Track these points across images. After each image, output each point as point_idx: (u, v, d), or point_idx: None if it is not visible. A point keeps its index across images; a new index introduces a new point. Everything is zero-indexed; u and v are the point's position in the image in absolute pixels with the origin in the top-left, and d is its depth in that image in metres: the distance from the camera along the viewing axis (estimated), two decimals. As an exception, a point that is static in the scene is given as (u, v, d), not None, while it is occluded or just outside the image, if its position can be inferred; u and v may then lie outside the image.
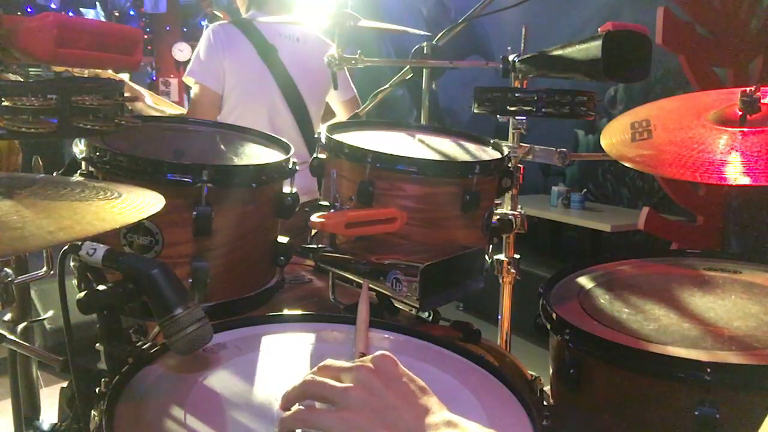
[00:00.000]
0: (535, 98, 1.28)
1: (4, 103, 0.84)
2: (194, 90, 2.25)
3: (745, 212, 3.17)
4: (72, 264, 0.82)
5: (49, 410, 1.26)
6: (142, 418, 0.69)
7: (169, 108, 2.39)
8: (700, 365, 0.86)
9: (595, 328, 1.01)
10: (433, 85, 1.68)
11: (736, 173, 0.99)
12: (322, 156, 1.23)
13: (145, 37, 7.03)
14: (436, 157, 1.22)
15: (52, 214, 0.66)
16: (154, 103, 2.27)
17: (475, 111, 1.37)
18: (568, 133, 4.61)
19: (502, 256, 1.48)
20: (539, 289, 1.15)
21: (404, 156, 1.12)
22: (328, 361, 0.68)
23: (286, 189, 1.12)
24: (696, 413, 0.85)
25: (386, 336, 0.95)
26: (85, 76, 1.69)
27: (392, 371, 0.65)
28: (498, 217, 1.30)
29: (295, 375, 0.73)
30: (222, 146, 1.20)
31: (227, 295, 1.04)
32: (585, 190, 4.27)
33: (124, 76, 2.41)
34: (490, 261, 1.35)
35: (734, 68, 3.09)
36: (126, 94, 0.96)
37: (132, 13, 7.33)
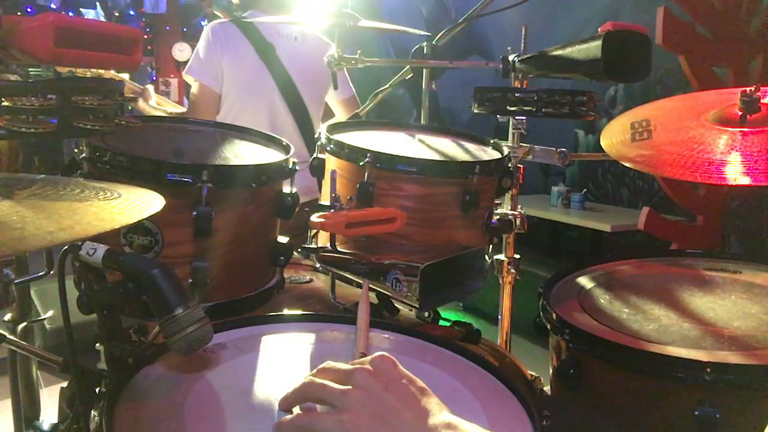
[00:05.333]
0: (535, 98, 1.28)
1: (4, 103, 0.84)
2: (193, 88, 2.25)
3: (745, 212, 3.17)
4: (72, 264, 0.82)
5: (49, 410, 1.26)
6: (142, 418, 0.69)
7: (171, 107, 2.39)
8: (700, 365, 0.86)
9: (595, 328, 1.01)
10: (433, 85, 1.68)
11: (736, 173, 0.99)
12: (322, 156, 1.23)
13: (145, 37, 7.02)
14: (436, 157, 1.22)
15: (52, 214, 0.66)
16: (157, 104, 2.28)
17: (475, 111, 1.37)
18: (568, 133, 4.61)
19: (502, 256, 1.48)
20: (539, 289, 1.15)
21: (404, 156, 1.12)
22: (328, 363, 0.68)
23: (286, 189, 1.12)
24: (696, 413, 0.85)
25: (386, 336, 0.95)
26: (88, 76, 1.69)
27: (391, 373, 0.65)
28: (498, 217, 1.30)
29: (295, 375, 0.73)
30: (222, 146, 1.20)
31: (227, 295, 1.04)
32: (585, 190, 4.27)
33: (124, 76, 2.41)
34: (490, 261, 1.35)
35: (734, 68, 3.09)
36: (128, 95, 0.95)
37: (132, 12, 7.33)
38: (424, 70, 1.66)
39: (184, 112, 2.38)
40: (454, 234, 1.15)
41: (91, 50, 1.04)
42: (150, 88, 2.31)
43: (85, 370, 0.79)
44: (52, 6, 6.76)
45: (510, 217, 1.37)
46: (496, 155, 1.27)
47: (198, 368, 0.79)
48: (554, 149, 1.40)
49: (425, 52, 1.62)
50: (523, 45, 1.44)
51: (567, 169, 4.69)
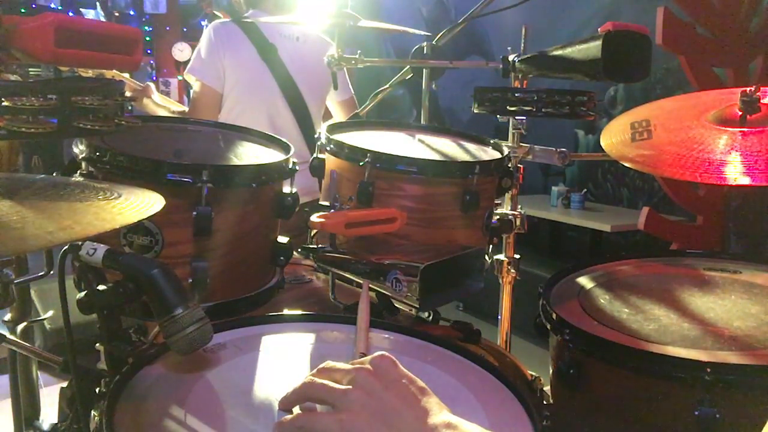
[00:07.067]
0: (535, 98, 1.28)
1: (4, 103, 0.84)
2: (195, 87, 2.25)
3: (745, 212, 3.17)
4: (72, 264, 0.82)
5: (49, 410, 1.26)
6: (142, 418, 0.69)
7: (173, 105, 2.39)
8: (700, 365, 0.86)
9: (595, 328, 1.01)
10: (433, 85, 1.68)
11: (736, 173, 0.99)
12: (322, 156, 1.23)
13: (147, 39, 7.02)
14: (436, 157, 1.22)
15: (52, 214, 0.66)
16: (160, 100, 2.28)
17: (475, 111, 1.37)
18: (568, 133, 4.61)
19: (502, 256, 1.48)
20: (539, 289, 1.14)
21: (404, 156, 1.12)
22: (328, 363, 0.68)
23: (286, 189, 1.12)
24: (696, 413, 0.85)
25: (386, 336, 0.95)
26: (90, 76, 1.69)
27: (391, 372, 0.65)
28: (498, 217, 1.30)
29: (295, 375, 0.73)
30: (222, 146, 1.20)
31: (227, 295, 1.04)
32: (585, 190, 4.27)
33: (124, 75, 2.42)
34: (490, 261, 1.35)
35: (734, 68, 3.08)
36: (128, 93, 0.95)
37: (132, 13, 7.33)
38: (424, 70, 1.66)
39: (186, 111, 2.38)
40: (454, 234, 1.15)
41: (91, 50, 1.04)
42: (151, 85, 2.31)
43: (85, 370, 0.79)
44: (52, 6, 6.76)
45: (510, 217, 1.37)
46: (496, 155, 1.27)
47: (198, 368, 0.79)
48: (554, 149, 1.40)
49: (425, 52, 1.62)
50: (523, 45, 1.44)
51: (567, 169, 4.69)
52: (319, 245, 1.20)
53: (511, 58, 1.42)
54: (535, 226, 4.17)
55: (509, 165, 1.26)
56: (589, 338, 0.97)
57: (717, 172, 1.00)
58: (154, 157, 0.99)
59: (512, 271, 1.49)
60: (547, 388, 1.11)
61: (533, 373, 1.15)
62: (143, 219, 0.72)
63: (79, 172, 1.01)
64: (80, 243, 0.76)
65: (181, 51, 6.96)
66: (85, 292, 0.75)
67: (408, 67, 1.70)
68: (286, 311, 1.04)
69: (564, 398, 1.07)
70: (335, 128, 1.28)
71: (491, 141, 1.35)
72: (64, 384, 0.88)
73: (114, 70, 1.97)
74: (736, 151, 1.03)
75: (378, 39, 6.38)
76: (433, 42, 1.63)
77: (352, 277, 1.16)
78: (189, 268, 0.98)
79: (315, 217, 1.06)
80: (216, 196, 0.97)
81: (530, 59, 1.39)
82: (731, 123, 1.08)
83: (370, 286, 1.05)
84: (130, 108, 1.03)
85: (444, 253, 1.09)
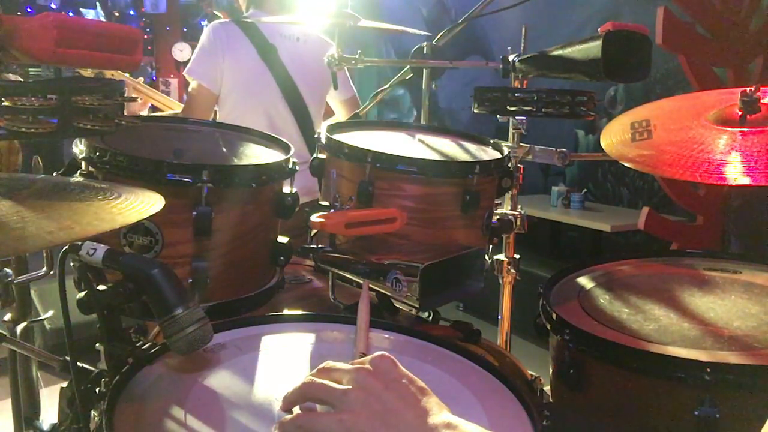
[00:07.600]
0: (535, 98, 1.28)
1: (4, 103, 0.84)
2: (192, 86, 2.25)
3: (745, 212, 3.17)
4: (72, 264, 0.82)
5: (49, 410, 1.26)
6: (142, 418, 0.69)
7: (159, 96, 2.39)
8: (700, 365, 0.86)
9: (595, 328, 1.01)
10: (433, 85, 1.68)
11: (736, 173, 0.99)
12: (322, 156, 1.23)
13: (145, 37, 7.03)
14: (436, 157, 1.22)
15: (52, 214, 0.66)
16: (150, 92, 2.28)
17: (475, 111, 1.37)
18: (568, 133, 4.61)
19: (502, 256, 1.48)
20: (539, 289, 1.15)
21: (404, 156, 1.12)
22: (328, 363, 0.68)
23: (286, 189, 1.12)
24: (696, 413, 0.85)
25: (386, 336, 0.95)
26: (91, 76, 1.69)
27: (391, 372, 0.65)
28: (498, 217, 1.30)
29: (295, 375, 0.73)
30: (222, 146, 1.20)
31: (227, 295, 1.04)
32: (585, 190, 4.26)
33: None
34: (490, 261, 1.35)
35: (734, 68, 3.08)
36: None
37: (132, 12, 7.34)
38: (424, 70, 1.66)
39: (172, 109, 2.38)
40: (454, 234, 1.15)
41: (91, 50, 1.04)
42: (137, 104, 2.30)
43: (85, 370, 0.79)
44: (52, 6, 6.77)
45: (510, 217, 1.37)
46: (496, 155, 1.27)
47: (198, 368, 0.79)
48: (554, 149, 1.40)
49: (425, 52, 1.62)
50: (523, 45, 1.44)
51: (567, 169, 4.69)
52: (319, 245, 1.20)
53: (511, 58, 1.42)
54: (535, 226, 4.15)
55: (509, 165, 1.26)
56: (589, 338, 0.97)
57: (717, 172, 1.00)
58: (154, 157, 0.99)
59: (512, 271, 1.49)
60: (547, 388, 1.12)
61: (533, 373, 1.15)
62: (143, 219, 0.72)
63: (79, 172, 1.02)
64: (80, 243, 0.76)
65: (181, 51, 6.97)
66: (85, 292, 0.75)
67: (408, 67, 1.70)
68: (286, 311, 1.04)
69: (564, 398, 1.07)
70: (335, 128, 1.28)
71: (491, 141, 1.35)
72: (64, 384, 0.88)
73: (114, 70, 1.97)
74: (736, 151, 1.03)
75: (378, 39, 6.38)
76: (433, 42, 1.63)
77: (352, 277, 1.16)
78: (189, 268, 0.98)
79: (315, 217, 1.06)
80: (216, 196, 0.97)
81: (530, 59, 1.39)
82: (731, 123, 1.08)
83: (370, 286, 1.05)
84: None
85: (444, 253, 1.09)
